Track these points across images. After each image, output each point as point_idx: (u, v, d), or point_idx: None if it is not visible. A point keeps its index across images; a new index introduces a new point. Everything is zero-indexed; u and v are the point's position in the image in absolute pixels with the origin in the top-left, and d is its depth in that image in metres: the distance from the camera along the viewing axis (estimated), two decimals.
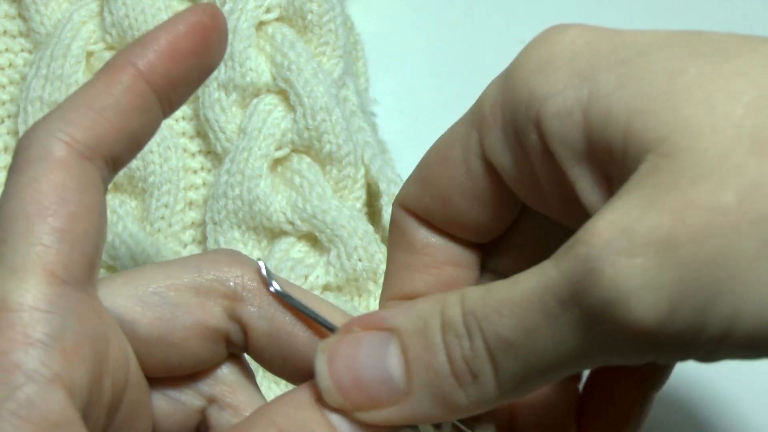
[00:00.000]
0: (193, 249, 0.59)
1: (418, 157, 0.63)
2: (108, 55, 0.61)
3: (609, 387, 0.41)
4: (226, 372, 0.39)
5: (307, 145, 0.57)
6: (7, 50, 0.63)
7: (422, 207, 0.39)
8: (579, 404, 0.41)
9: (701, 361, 0.32)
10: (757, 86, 0.30)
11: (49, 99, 0.60)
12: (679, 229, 0.29)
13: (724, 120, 0.30)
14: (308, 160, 0.57)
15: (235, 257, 0.38)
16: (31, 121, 0.60)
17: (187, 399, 0.38)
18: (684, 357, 0.31)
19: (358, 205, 0.57)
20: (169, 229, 0.58)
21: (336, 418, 0.34)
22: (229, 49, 0.58)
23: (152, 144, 0.58)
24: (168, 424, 0.38)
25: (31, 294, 0.31)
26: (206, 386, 0.38)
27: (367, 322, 0.35)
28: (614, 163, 0.32)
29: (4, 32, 0.63)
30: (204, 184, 0.60)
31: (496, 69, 0.70)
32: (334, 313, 0.37)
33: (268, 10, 0.59)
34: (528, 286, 0.32)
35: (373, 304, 0.54)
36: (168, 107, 0.37)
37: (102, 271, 0.37)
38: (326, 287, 0.55)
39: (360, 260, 0.55)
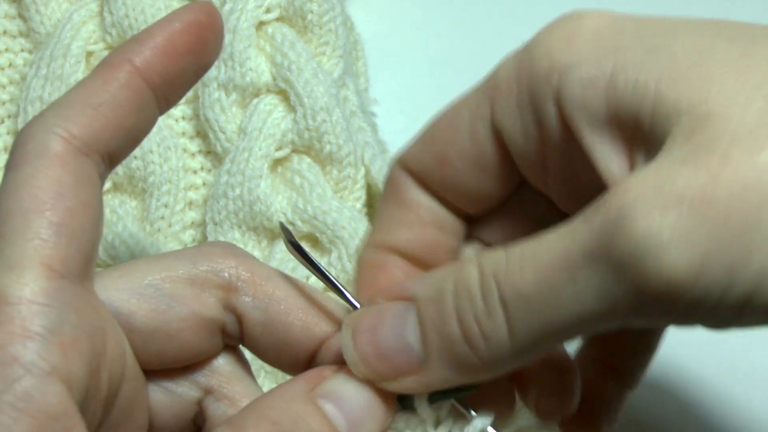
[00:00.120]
0: None
1: None
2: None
3: (588, 384, 0.41)
4: (222, 363, 0.39)
5: (308, 145, 0.57)
6: (7, 50, 0.63)
7: (421, 166, 0.40)
8: None
9: (720, 326, 0.32)
10: None
11: (49, 99, 0.60)
12: (715, 185, 0.29)
13: (757, 92, 0.30)
14: (308, 160, 0.57)
15: (230, 249, 0.38)
16: None
17: (183, 391, 0.38)
18: (705, 320, 0.31)
19: (359, 205, 0.57)
20: (169, 229, 0.58)
21: (330, 408, 0.34)
22: (229, 49, 0.58)
23: (152, 144, 0.58)
24: (165, 416, 0.38)
25: (29, 288, 0.31)
26: (202, 377, 0.39)
27: (390, 293, 0.36)
28: (640, 130, 0.32)
29: (4, 32, 0.63)
30: (204, 184, 0.60)
31: (494, 65, 0.70)
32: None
33: (268, 10, 0.59)
34: (554, 243, 0.32)
35: None
36: (164, 104, 0.37)
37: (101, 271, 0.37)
38: (327, 288, 0.55)
39: None
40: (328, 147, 0.57)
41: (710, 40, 0.32)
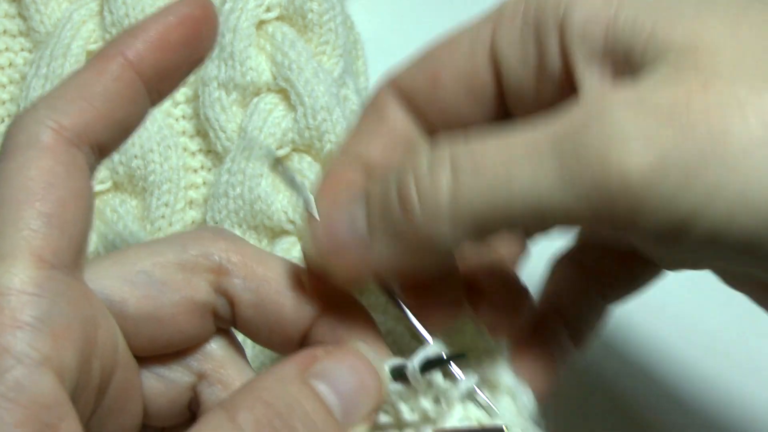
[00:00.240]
0: None
1: None
2: None
3: (568, 288, 0.42)
4: (215, 348, 0.39)
5: (308, 144, 0.57)
6: (7, 49, 0.63)
7: (411, 84, 0.40)
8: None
9: (665, 253, 0.34)
10: None
11: None
12: (689, 101, 0.31)
13: (746, 38, 0.32)
14: (309, 159, 0.58)
15: (220, 232, 0.38)
16: None
17: (177, 376, 0.38)
18: (654, 238, 0.32)
19: None
20: (170, 228, 0.58)
21: (324, 388, 0.34)
22: (229, 49, 0.58)
23: (153, 143, 0.58)
24: (159, 403, 0.38)
25: (19, 278, 0.31)
26: (195, 363, 0.39)
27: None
28: (629, 63, 0.34)
29: (4, 31, 0.63)
30: (204, 183, 0.60)
31: None
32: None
33: (268, 9, 0.59)
34: (523, 130, 0.33)
35: (374, 302, 0.54)
36: (156, 96, 0.37)
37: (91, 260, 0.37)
38: None
39: None
40: (328, 146, 0.57)
41: (709, 2, 0.34)
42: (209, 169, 0.60)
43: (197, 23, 0.37)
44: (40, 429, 0.30)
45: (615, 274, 0.44)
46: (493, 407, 0.36)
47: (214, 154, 0.60)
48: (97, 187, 0.58)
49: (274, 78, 0.58)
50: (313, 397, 0.34)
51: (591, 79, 0.35)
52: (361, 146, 0.40)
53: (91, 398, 0.34)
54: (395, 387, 0.36)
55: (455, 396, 0.35)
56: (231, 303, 0.38)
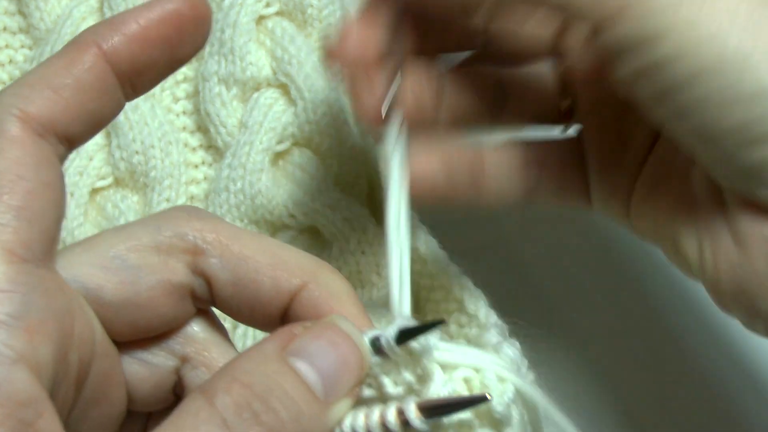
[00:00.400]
0: None
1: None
2: None
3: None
4: (197, 330, 0.38)
5: (309, 138, 0.57)
6: (7, 47, 0.63)
7: None
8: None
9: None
10: None
11: None
12: None
13: None
14: (309, 153, 0.58)
15: (194, 212, 0.38)
16: None
17: (160, 361, 0.38)
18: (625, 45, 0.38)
19: (360, 198, 0.57)
20: None
21: (303, 366, 0.33)
22: (229, 44, 0.58)
23: (153, 139, 0.59)
24: (144, 389, 0.38)
25: None
26: (178, 346, 0.38)
27: None
28: None
29: (4, 29, 0.63)
30: (205, 178, 0.60)
31: None
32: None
33: (267, 5, 0.59)
34: None
35: (376, 295, 0.55)
36: (131, 91, 0.36)
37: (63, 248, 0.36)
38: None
39: (363, 253, 0.55)
40: (329, 140, 0.57)
41: None
42: (210, 165, 0.60)
43: (182, 21, 0.36)
44: (17, 427, 0.30)
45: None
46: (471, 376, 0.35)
47: (214, 149, 0.60)
48: (98, 183, 0.58)
49: (275, 73, 0.58)
50: (293, 376, 0.33)
51: None
52: None
53: (70, 391, 0.34)
54: (377, 360, 0.35)
55: (434, 365, 0.35)
56: (208, 283, 0.37)
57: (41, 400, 0.31)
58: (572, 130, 0.46)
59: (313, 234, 0.57)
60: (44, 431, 0.30)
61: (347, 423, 0.34)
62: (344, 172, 0.57)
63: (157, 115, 0.59)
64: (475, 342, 0.36)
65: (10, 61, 0.63)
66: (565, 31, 0.46)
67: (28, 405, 0.30)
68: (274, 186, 0.57)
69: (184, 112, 0.61)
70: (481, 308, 0.41)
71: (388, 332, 0.35)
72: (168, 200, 0.58)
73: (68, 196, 0.36)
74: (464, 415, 0.34)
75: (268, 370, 0.33)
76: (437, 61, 0.46)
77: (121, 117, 0.59)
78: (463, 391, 0.34)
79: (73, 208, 0.56)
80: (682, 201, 0.42)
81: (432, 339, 0.35)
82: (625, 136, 0.45)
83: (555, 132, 0.47)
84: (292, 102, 0.58)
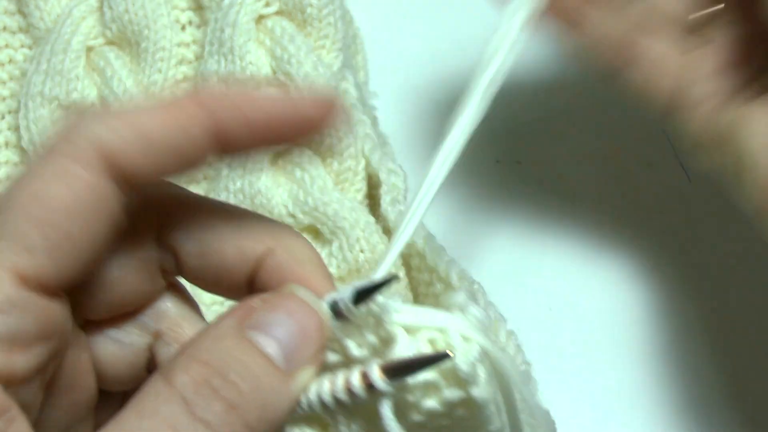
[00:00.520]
0: None
1: (418, 151, 0.64)
2: (108, 50, 0.61)
3: None
4: (169, 306, 0.38)
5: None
6: (7, 46, 0.63)
7: None
8: None
9: None
10: None
11: (50, 94, 0.60)
12: None
13: None
14: (309, 152, 0.58)
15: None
16: (32, 117, 0.60)
17: (132, 339, 0.37)
18: None
19: (359, 197, 0.57)
20: None
21: (262, 339, 0.33)
22: (229, 43, 0.58)
23: None
24: (118, 367, 0.38)
25: None
26: (150, 322, 0.38)
27: None
28: None
29: (4, 28, 0.63)
30: (205, 178, 0.60)
31: None
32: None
33: (267, 4, 0.59)
34: None
35: None
36: (216, 151, 0.35)
37: None
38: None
39: (362, 251, 0.55)
40: (328, 139, 0.57)
41: None
42: (209, 164, 0.60)
43: (304, 125, 0.34)
44: None
45: None
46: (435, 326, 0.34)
47: None
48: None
49: (274, 72, 0.59)
50: (251, 349, 0.33)
51: None
52: None
53: (39, 393, 0.33)
54: (338, 324, 0.34)
55: (397, 328, 0.34)
56: (175, 255, 0.36)
57: (9, 409, 0.30)
58: None
59: (312, 233, 0.57)
60: None
61: (313, 390, 0.34)
62: (343, 171, 0.57)
63: None
64: (442, 303, 0.35)
65: (10, 61, 0.63)
66: None
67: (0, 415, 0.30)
68: (274, 185, 0.57)
69: None
70: (452, 270, 0.41)
71: (344, 294, 0.34)
72: None
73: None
74: (430, 376, 0.33)
75: (226, 345, 0.33)
76: None
77: None
78: (428, 352, 0.33)
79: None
80: None
81: (392, 301, 0.34)
82: None
83: None
84: None
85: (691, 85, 0.49)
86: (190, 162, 0.34)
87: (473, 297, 0.40)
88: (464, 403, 0.33)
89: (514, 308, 0.51)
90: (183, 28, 0.62)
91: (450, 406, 0.33)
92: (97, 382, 0.37)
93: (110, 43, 0.61)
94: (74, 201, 0.32)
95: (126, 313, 0.37)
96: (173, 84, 0.61)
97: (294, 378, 0.33)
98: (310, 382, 0.34)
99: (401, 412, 0.33)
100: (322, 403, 0.33)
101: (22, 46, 0.63)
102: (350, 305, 0.34)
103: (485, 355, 0.33)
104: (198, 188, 0.59)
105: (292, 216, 0.56)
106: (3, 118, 0.62)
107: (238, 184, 0.57)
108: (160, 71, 0.61)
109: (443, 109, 0.68)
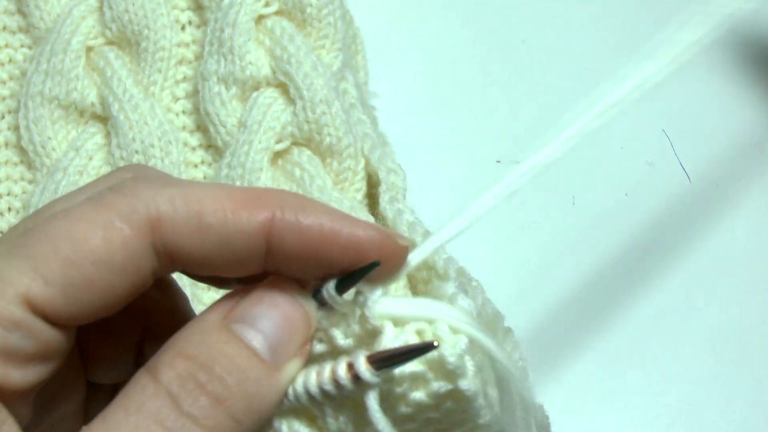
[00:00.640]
0: None
1: (418, 150, 0.64)
2: (108, 49, 0.61)
3: None
4: (157, 300, 0.38)
5: (307, 137, 0.57)
6: (6, 46, 0.63)
7: None
8: None
9: None
10: None
11: (50, 94, 0.60)
12: None
13: None
14: (308, 152, 0.58)
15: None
16: (31, 117, 0.60)
17: (121, 333, 0.38)
18: None
19: (359, 196, 0.57)
20: None
21: (246, 331, 0.33)
22: (228, 43, 0.58)
23: (153, 138, 0.59)
24: (108, 363, 0.38)
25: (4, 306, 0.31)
26: (139, 318, 0.38)
27: None
28: None
29: (4, 28, 0.63)
30: (205, 177, 0.60)
31: (495, 62, 0.70)
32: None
33: (267, 4, 0.59)
34: None
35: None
36: (267, 263, 0.34)
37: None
38: None
39: None
40: (327, 139, 0.57)
41: None
42: (209, 164, 0.60)
43: (361, 251, 0.33)
44: None
45: None
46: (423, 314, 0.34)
47: (214, 149, 0.60)
48: None
49: (274, 72, 0.59)
50: (236, 343, 0.32)
51: None
52: None
53: (32, 405, 0.33)
54: (323, 313, 0.34)
55: (384, 320, 0.33)
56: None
57: (4, 422, 0.31)
58: None
59: None
60: None
61: (300, 382, 0.33)
62: (343, 171, 0.57)
63: (157, 114, 0.59)
64: (433, 295, 0.35)
65: (10, 60, 0.63)
66: None
67: None
68: (273, 185, 0.57)
69: (183, 112, 0.61)
70: (450, 268, 0.40)
71: (327, 283, 0.34)
72: None
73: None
74: (417, 367, 0.33)
75: (210, 340, 0.32)
76: None
77: (120, 116, 0.59)
78: (415, 342, 0.33)
79: None
80: None
81: (379, 292, 0.33)
82: None
83: None
84: (291, 101, 0.58)
85: None
86: (240, 261, 0.33)
87: (472, 294, 0.39)
88: (452, 395, 0.33)
89: (514, 308, 0.51)
90: (183, 28, 0.62)
91: (438, 399, 0.33)
92: (87, 376, 0.38)
93: (110, 42, 0.61)
94: (107, 253, 0.32)
95: (115, 312, 0.37)
96: (171, 78, 0.61)
97: (280, 370, 0.33)
98: (297, 373, 0.34)
99: (389, 404, 0.33)
100: (309, 395, 0.33)
101: (22, 46, 0.63)
102: (333, 293, 0.34)
103: (474, 347, 0.33)
104: None
105: None
106: (3, 117, 0.62)
107: (238, 184, 0.56)
108: (159, 71, 0.61)
109: (443, 109, 0.68)
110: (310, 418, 0.34)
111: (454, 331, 0.33)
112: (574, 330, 0.59)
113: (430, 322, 0.33)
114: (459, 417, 0.34)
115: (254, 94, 0.59)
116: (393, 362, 0.32)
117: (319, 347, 0.34)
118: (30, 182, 0.60)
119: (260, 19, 0.59)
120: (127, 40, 0.61)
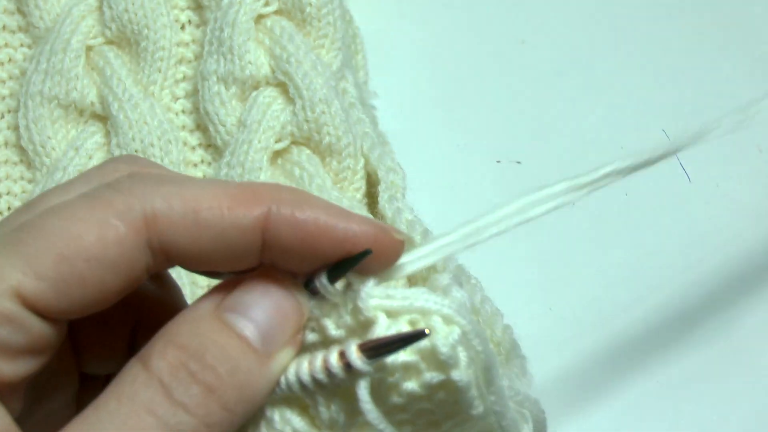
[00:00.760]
0: None
1: (418, 150, 0.64)
2: (107, 49, 0.61)
3: None
4: (151, 291, 0.38)
5: (307, 137, 0.57)
6: (6, 45, 0.63)
7: None
8: None
9: None
10: None
11: (50, 93, 0.60)
12: None
13: None
14: (308, 152, 0.58)
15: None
16: (31, 116, 0.60)
17: (114, 323, 0.38)
18: None
19: (358, 195, 0.57)
20: None
21: (238, 320, 0.33)
22: (228, 43, 0.58)
23: (153, 138, 0.59)
24: (101, 353, 0.38)
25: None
26: (132, 309, 0.38)
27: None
28: None
29: (3, 27, 0.63)
30: (204, 176, 0.60)
31: (494, 62, 0.70)
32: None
33: (266, 3, 0.59)
34: None
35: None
36: (263, 255, 0.34)
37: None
38: None
39: None
40: (327, 138, 0.57)
41: None
42: (209, 163, 0.60)
43: (356, 245, 0.33)
44: None
45: None
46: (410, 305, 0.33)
47: (213, 148, 0.60)
48: None
49: (273, 71, 0.59)
50: (227, 332, 0.32)
51: None
52: None
53: (24, 396, 0.33)
54: (315, 303, 0.34)
55: (376, 310, 0.33)
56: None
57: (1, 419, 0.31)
58: None
59: None
60: None
61: (292, 371, 0.33)
62: (342, 170, 0.57)
63: (157, 113, 0.59)
64: (426, 284, 0.35)
65: (10, 60, 0.63)
66: None
67: None
68: None
69: (183, 111, 0.61)
70: (449, 266, 0.40)
71: (318, 272, 0.34)
72: None
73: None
74: (409, 357, 0.33)
75: (202, 329, 0.32)
76: None
77: (120, 115, 0.59)
78: (407, 331, 0.33)
79: None
80: None
81: (372, 283, 0.33)
82: None
83: None
84: (290, 100, 0.58)
85: None
86: (236, 256, 0.33)
87: (470, 292, 0.39)
88: (445, 386, 0.33)
89: (513, 307, 0.51)
90: (182, 27, 0.62)
91: (430, 389, 0.33)
92: (80, 367, 0.38)
93: (110, 42, 0.61)
94: (100, 251, 0.32)
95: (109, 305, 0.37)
96: (171, 78, 0.61)
97: (272, 359, 0.33)
98: (289, 362, 0.33)
99: (381, 393, 0.33)
100: (301, 384, 0.33)
101: (22, 45, 0.63)
102: (325, 282, 0.34)
103: (467, 339, 0.33)
104: None
105: None
106: (2, 117, 0.62)
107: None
108: (159, 70, 0.61)
109: (443, 109, 0.68)
110: (302, 407, 0.34)
111: (448, 321, 0.33)
112: (574, 329, 0.59)
113: (424, 313, 0.33)
114: (451, 408, 0.34)
115: (254, 94, 0.59)
116: (385, 351, 0.32)
117: (311, 337, 0.34)
118: (30, 181, 0.60)
119: (260, 18, 0.59)
120: (127, 39, 0.61)
